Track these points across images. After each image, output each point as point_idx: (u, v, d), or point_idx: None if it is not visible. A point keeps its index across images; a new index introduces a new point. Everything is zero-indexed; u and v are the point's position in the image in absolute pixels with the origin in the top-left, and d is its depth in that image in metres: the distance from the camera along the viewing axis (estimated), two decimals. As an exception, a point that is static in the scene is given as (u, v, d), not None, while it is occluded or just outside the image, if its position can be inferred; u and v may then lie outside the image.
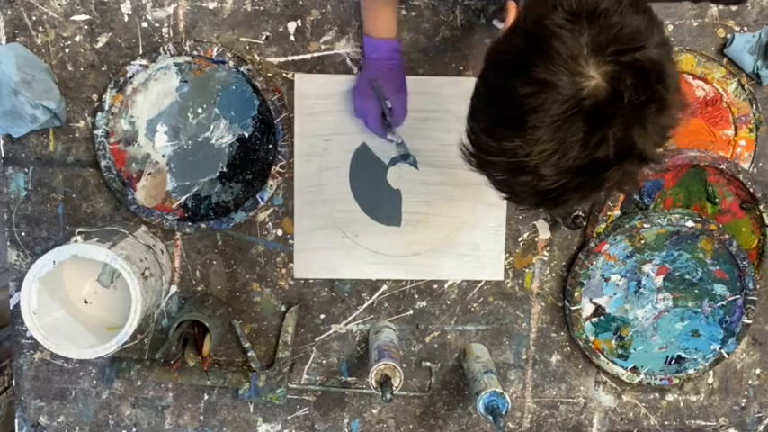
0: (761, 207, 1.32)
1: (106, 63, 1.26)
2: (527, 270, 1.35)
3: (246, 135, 1.28)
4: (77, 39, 1.25)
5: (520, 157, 0.73)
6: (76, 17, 1.24)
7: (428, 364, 1.37)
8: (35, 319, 1.17)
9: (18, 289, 1.27)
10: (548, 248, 1.35)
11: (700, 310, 1.36)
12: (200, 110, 1.27)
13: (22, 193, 1.29)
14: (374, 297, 1.35)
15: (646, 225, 1.29)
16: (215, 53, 1.24)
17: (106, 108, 1.25)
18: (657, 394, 1.40)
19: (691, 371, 1.37)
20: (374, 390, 1.19)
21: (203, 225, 1.29)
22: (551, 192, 0.74)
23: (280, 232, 1.32)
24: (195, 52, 1.24)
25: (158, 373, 1.31)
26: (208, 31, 1.26)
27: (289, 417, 1.37)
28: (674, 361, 1.38)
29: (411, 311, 1.35)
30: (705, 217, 1.32)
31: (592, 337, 1.35)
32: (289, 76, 1.28)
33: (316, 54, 1.28)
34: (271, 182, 1.28)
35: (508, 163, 0.74)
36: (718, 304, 1.35)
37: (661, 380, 1.37)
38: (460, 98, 1.28)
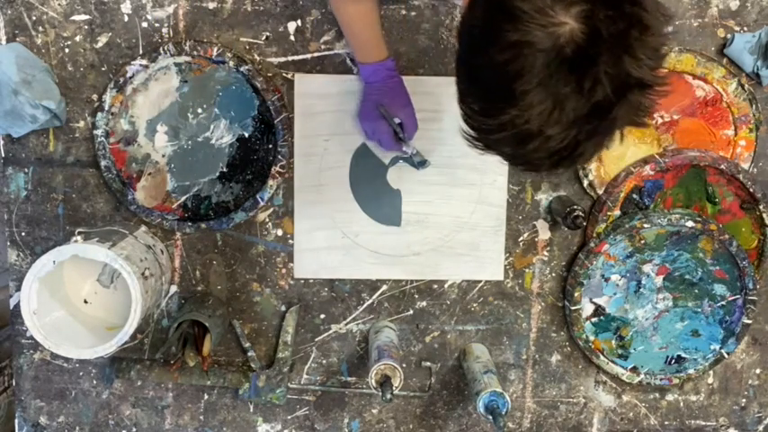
0: (761, 207, 1.32)
1: (106, 63, 1.26)
2: (527, 270, 1.35)
3: (246, 135, 1.28)
4: (77, 39, 1.25)
5: (520, 126, 0.71)
6: (76, 17, 1.24)
7: (428, 364, 1.37)
8: (35, 319, 1.17)
9: (18, 289, 1.27)
10: (548, 248, 1.35)
11: (700, 310, 1.36)
12: (200, 110, 1.27)
13: (22, 193, 1.29)
14: (374, 297, 1.35)
15: (646, 225, 1.29)
16: (215, 53, 1.24)
17: (106, 108, 1.25)
18: (657, 394, 1.40)
19: (691, 371, 1.37)
20: (374, 390, 1.19)
21: (203, 225, 1.29)
22: (565, 149, 0.72)
23: (280, 232, 1.32)
24: (195, 52, 1.24)
25: (158, 373, 1.31)
26: (208, 31, 1.26)
27: (289, 417, 1.37)
28: (674, 361, 1.38)
29: (411, 311, 1.35)
30: (705, 217, 1.32)
31: (592, 337, 1.35)
32: (289, 76, 1.28)
33: (316, 54, 1.28)
34: (271, 182, 1.28)
35: (512, 135, 0.72)
36: (718, 304, 1.35)
37: (661, 380, 1.37)
38: (460, 98, 1.29)
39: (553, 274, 1.36)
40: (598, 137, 0.73)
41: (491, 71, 0.72)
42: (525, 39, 0.68)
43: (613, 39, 0.68)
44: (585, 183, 1.32)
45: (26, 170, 1.28)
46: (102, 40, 1.25)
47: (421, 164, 1.29)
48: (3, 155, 1.27)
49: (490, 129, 0.74)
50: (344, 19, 1.17)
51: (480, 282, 1.35)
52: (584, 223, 1.26)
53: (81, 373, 1.34)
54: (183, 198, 1.30)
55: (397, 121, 1.21)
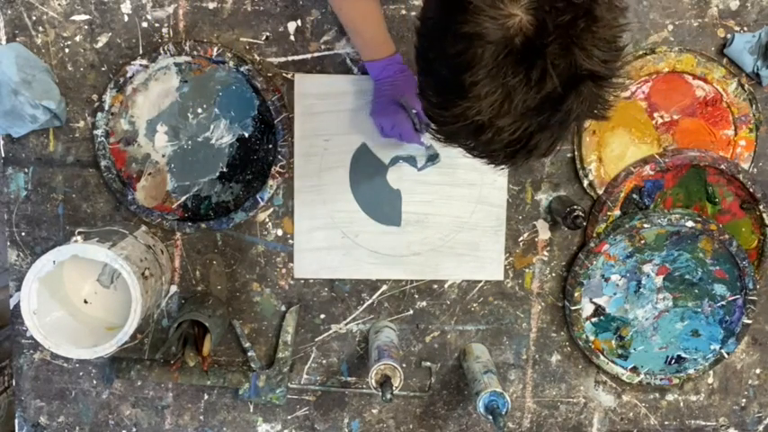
0: (761, 207, 1.32)
1: (106, 63, 1.26)
2: (527, 270, 1.35)
3: (246, 135, 1.28)
4: (77, 39, 1.25)
5: (472, 118, 0.71)
6: (76, 17, 1.24)
7: (428, 364, 1.37)
8: (35, 319, 1.17)
9: (18, 289, 1.27)
10: (548, 248, 1.35)
11: (700, 310, 1.36)
12: (200, 110, 1.27)
13: (22, 193, 1.29)
14: (374, 297, 1.35)
15: (646, 225, 1.29)
16: (215, 53, 1.24)
17: (106, 108, 1.25)
18: (657, 394, 1.40)
19: (691, 371, 1.37)
20: (374, 390, 1.19)
21: (203, 225, 1.29)
22: (517, 141, 0.73)
23: (280, 232, 1.32)
24: (195, 52, 1.24)
25: (158, 373, 1.31)
26: (208, 31, 1.26)
27: (289, 417, 1.37)
28: (674, 361, 1.38)
29: (411, 311, 1.35)
30: (705, 217, 1.32)
31: (592, 337, 1.35)
32: (289, 76, 1.28)
33: (316, 54, 1.28)
34: (271, 182, 1.28)
35: (465, 127, 0.73)
36: (718, 304, 1.35)
37: (661, 380, 1.37)
38: (460, 98, 1.29)
39: (553, 274, 1.36)
40: (551, 129, 0.73)
41: (444, 63, 0.72)
42: (476, 30, 0.68)
43: (560, 30, 0.68)
44: (585, 183, 1.32)
45: (26, 170, 1.28)
46: (102, 40, 1.25)
47: (433, 157, 1.28)
48: (3, 155, 1.27)
49: (446, 120, 0.75)
50: (347, 18, 1.16)
51: (480, 282, 1.35)
52: (584, 223, 1.26)
53: (81, 373, 1.34)
54: (183, 198, 1.30)
55: (414, 112, 1.21)
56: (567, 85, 0.69)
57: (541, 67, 0.68)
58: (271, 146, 1.29)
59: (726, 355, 1.37)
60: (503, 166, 0.80)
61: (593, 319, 1.35)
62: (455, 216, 1.33)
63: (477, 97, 0.70)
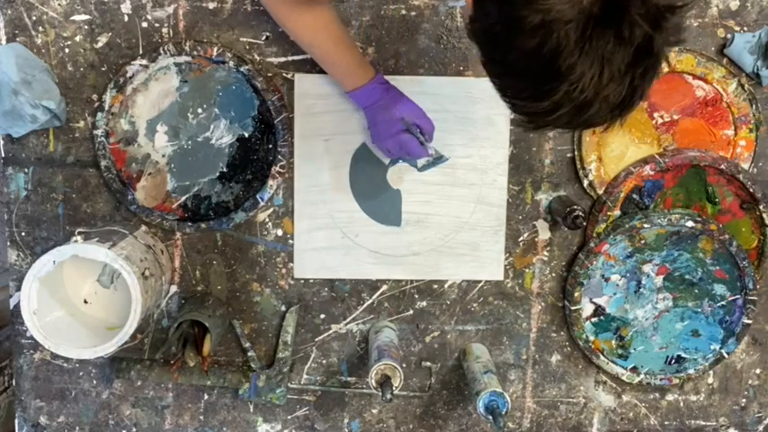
0: (761, 207, 1.32)
1: (106, 63, 1.26)
2: (527, 270, 1.35)
3: (246, 135, 1.28)
4: (77, 39, 1.25)
5: (577, 98, 0.72)
6: (76, 17, 1.24)
7: (428, 364, 1.37)
8: (35, 319, 1.17)
9: (18, 289, 1.27)
10: (548, 248, 1.35)
11: (700, 310, 1.36)
12: (200, 110, 1.27)
13: (22, 193, 1.29)
14: (374, 297, 1.35)
15: (646, 225, 1.29)
16: (215, 53, 1.24)
17: (106, 108, 1.25)
18: (657, 394, 1.40)
19: (691, 371, 1.37)
20: (374, 390, 1.19)
21: (203, 225, 1.29)
22: (624, 99, 0.73)
23: (280, 232, 1.32)
24: (195, 52, 1.24)
25: (158, 373, 1.31)
26: (208, 31, 1.26)
27: (289, 417, 1.37)
28: (674, 361, 1.38)
29: (411, 311, 1.35)
30: (705, 217, 1.32)
31: (592, 337, 1.35)
32: (289, 76, 1.28)
33: (316, 54, 1.28)
34: (271, 182, 1.28)
35: (570, 109, 0.73)
36: (718, 304, 1.35)
37: (661, 380, 1.37)
38: (460, 98, 1.29)
39: (553, 274, 1.36)
40: (650, 73, 0.74)
41: (527, 59, 0.72)
42: (550, 17, 0.69)
43: None
44: (585, 183, 1.32)
45: (26, 170, 1.28)
46: (102, 40, 1.25)
47: (438, 159, 1.28)
48: (3, 155, 1.27)
49: (545, 110, 0.74)
50: (322, 51, 1.14)
51: (480, 282, 1.35)
52: (585, 223, 1.26)
53: (81, 373, 1.34)
54: (183, 198, 1.30)
55: (414, 126, 1.20)
56: (654, 27, 0.70)
57: (628, 21, 0.69)
58: (271, 146, 1.29)
59: (726, 355, 1.37)
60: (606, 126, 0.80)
61: (593, 319, 1.35)
62: (455, 216, 1.33)
63: (577, 77, 0.70)
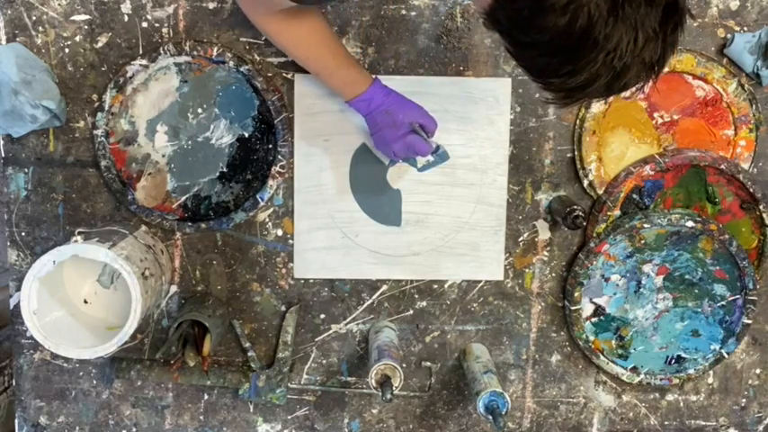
0: (761, 207, 1.32)
1: (106, 63, 1.26)
2: (527, 270, 1.35)
3: (246, 135, 1.28)
4: (77, 39, 1.25)
5: (616, 65, 0.74)
6: (76, 17, 1.24)
7: (428, 364, 1.37)
8: (35, 319, 1.17)
9: (18, 289, 1.27)
10: (548, 248, 1.35)
11: (700, 310, 1.36)
12: (200, 110, 1.27)
13: (22, 193, 1.29)
14: (374, 297, 1.35)
15: (646, 225, 1.29)
16: (215, 53, 1.23)
17: (106, 108, 1.25)
18: (657, 394, 1.40)
19: (691, 371, 1.37)
20: (374, 390, 1.19)
21: (203, 225, 1.29)
22: (659, 57, 0.76)
23: (280, 232, 1.32)
24: (195, 52, 1.24)
25: (158, 373, 1.31)
26: (208, 31, 1.26)
27: (289, 417, 1.37)
28: (674, 361, 1.38)
29: (411, 311, 1.35)
30: (705, 217, 1.32)
31: (592, 337, 1.35)
32: (289, 76, 1.28)
33: (316, 54, 1.27)
34: (271, 182, 1.28)
35: (609, 78, 0.75)
36: (718, 304, 1.35)
37: (661, 380, 1.37)
38: (460, 98, 1.29)
39: (553, 274, 1.36)
40: (679, 28, 0.76)
41: (560, 37, 0.73)
42: None
43: None
44: (585, 183, 1.32)
45: (26, 170, 1.28)
46: (102, 40, 1.25)
47: (443, 155, 1.29)
48: (3, 155, 1.27)
49: (583, 83, 0.76)
50: (320, 63, 1.13)
51: (480, 282, 1.35)
52: (585, 223, 1.26)
53: (81, 373, 1.34)
54: (183, 198, 1.30)
55: (419, 127, 1.20)
56: None
57: None
58: (271, 146, 1.29)
59: (726, 355, 1.37)
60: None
61: (593, 319, 1.35)
62: (455, 216, 1.33)
63: (614, 45, 0.72)
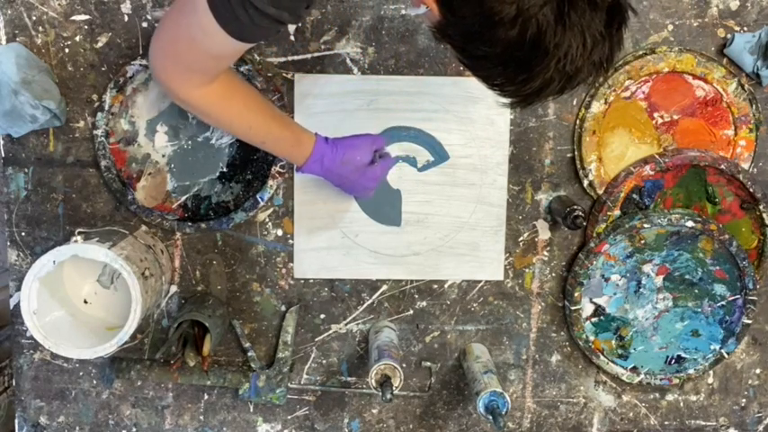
0: (761, 207, 1.32)
1: (106, 63, 1.26)
2: (527, 270, 1.35)
3: (246, 135, 1.28)
4: (77, 39, 1.25)
5: (568, 70, 0.76)
6: (76, 17, 1.24)
7: (428, 364, 1.37)
8: (35, 319, 1.17)
9: (18, 289, 1.27)
10: (548, 248, 1.35)
11: (700, 310, 1.36)
12: (200, 110, 1.27)
13: (22, 193, 1.29)
14: (374, 297, 1.35)
15: (646, 225, 1.29)
16: (215, 53, 1.23)
17: (106, 108, 1.25)
18: (657, 394, 1.40)
19: (691, 371, 1.37)
20: (374, 390, 1.19)
21: (203, 225, 1.29)
22: (608, 56, 0.78)
23: (280, 232, 1.32)
24: (195, 52, 1.24)
25: (158, 373, 1.31)
26: (208, 31, 1.26)
27: (289, 417, 1.37)
28: (674, 361, 1.38)
29: (411, 311, 1.35)
30: (705, 217, 1.32)
31: (592, 337, 1.35)
32: (289, 76, 1.28)
33: (316, 54, 1.28)
34: (271, 182, 1.28)
35: (562, 81, 0.77)
36: (718, 304, 1.35)
37: (661, 380, 1.37)
38: (460, 98, 1.29)
39: (553, 274, 1.36)
40: (623, 26, 0.79)
41: (511, 48, 0.75)
42: (523, 5, 0.72)
43: None
44: (585, 183, 1.32)
45: (26, 170, 1.28)
46: (102, 40, 1.25)
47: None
48: (3, 155, 1.27)
49: (538, 88, 0.78)
50: (264, 130, 1.08)
51: (480, 282, 1.35)
52: (585, 223, 1.26)
53: (81, 373, 1.34)
54: (183, 198, 1.30)
55: (378, 156, 1.22)
56: None
57: None
58: (271, 146, 1.29)
59: (726, 355, 1.37)
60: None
61: (593, 319, 1.35)
62: (455, 216, 1.33)
63: (564, 52, 0.74)
